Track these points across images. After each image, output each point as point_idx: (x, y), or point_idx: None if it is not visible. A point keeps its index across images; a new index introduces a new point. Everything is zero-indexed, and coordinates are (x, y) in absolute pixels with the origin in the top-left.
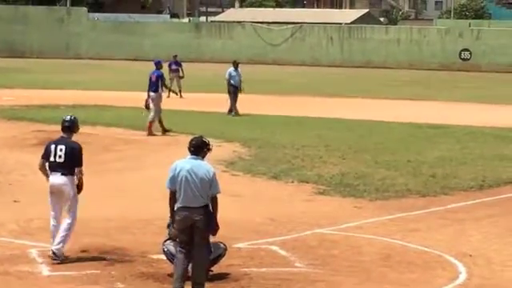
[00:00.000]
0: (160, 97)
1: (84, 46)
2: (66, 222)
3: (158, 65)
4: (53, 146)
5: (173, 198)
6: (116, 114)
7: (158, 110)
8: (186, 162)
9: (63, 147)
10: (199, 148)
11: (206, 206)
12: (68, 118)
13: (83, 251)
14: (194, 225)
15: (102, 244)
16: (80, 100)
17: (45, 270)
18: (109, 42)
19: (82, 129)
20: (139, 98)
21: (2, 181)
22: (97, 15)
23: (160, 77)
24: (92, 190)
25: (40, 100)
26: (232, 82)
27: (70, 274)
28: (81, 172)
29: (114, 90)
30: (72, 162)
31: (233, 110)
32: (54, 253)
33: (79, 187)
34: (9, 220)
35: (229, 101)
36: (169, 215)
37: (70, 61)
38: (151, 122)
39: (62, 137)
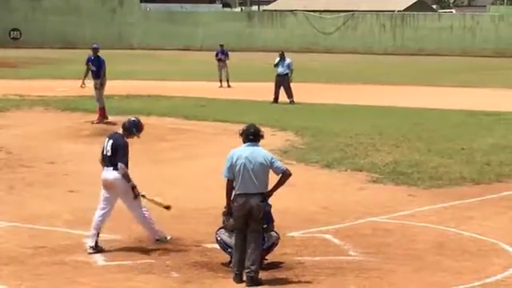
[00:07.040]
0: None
1: (136, 37)
2: (142, 221)
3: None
4: (106, 140)
5: (230, 187)
6: (169, 104)
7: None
8: (243, 150)
9: (111, 142)
10: (257, 135)
11: (263, 194)
12: (132, 119)
13: (138, 241)
14: (251, 211)
15: None
16: (133, 90)
17: (100, 260)
18: (161, 32)
19: None
20: (192, 87)
21: (57, 171)
22: (149, 5)
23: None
24: (147, 180)
25: (93, 90)
26: (278, 71)
27: (125, 264)
28: (122, 168)
29: (166, 80)
30: (116, 157)
31: (290, 97)
32: (156, 240)
33: (133, 190)
34: (64, 210)
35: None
36: (225, 204)
37: (123, 51)
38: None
39: (116, 132)
